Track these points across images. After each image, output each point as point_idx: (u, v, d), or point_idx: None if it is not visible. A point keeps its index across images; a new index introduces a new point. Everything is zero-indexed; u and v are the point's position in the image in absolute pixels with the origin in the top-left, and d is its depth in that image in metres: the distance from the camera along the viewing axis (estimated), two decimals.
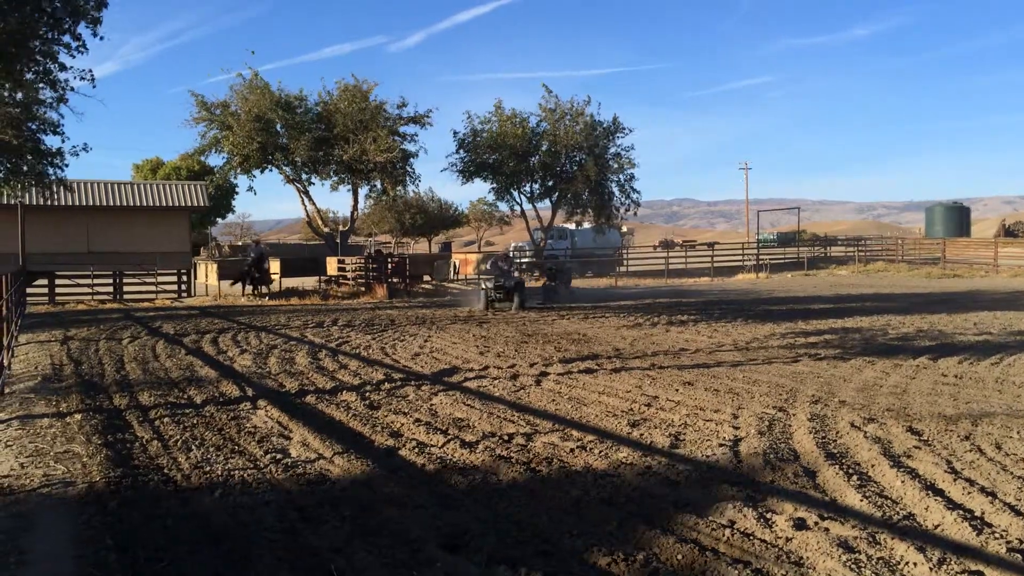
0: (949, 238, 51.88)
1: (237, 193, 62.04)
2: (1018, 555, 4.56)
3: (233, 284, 29.45)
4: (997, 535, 4.84)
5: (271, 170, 34.24)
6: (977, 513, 5.22)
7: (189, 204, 30.50)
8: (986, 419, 7.84)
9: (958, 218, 63.85)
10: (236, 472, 6.37)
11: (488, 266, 23.03)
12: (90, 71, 15.26)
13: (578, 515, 5.31)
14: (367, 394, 9.62)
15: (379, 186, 35.47)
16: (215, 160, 34.92)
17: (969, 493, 5.58)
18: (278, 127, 32.74)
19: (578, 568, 4.46)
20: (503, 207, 45.38)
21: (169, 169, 57.34)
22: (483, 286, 21.99)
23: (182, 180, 43.05)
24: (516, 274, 23.31)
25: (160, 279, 28.12)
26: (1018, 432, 7.28)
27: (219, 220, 73.03)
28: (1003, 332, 15.02)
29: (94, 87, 15.89)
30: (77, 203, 27.71)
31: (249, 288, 29.16)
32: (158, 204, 29.66)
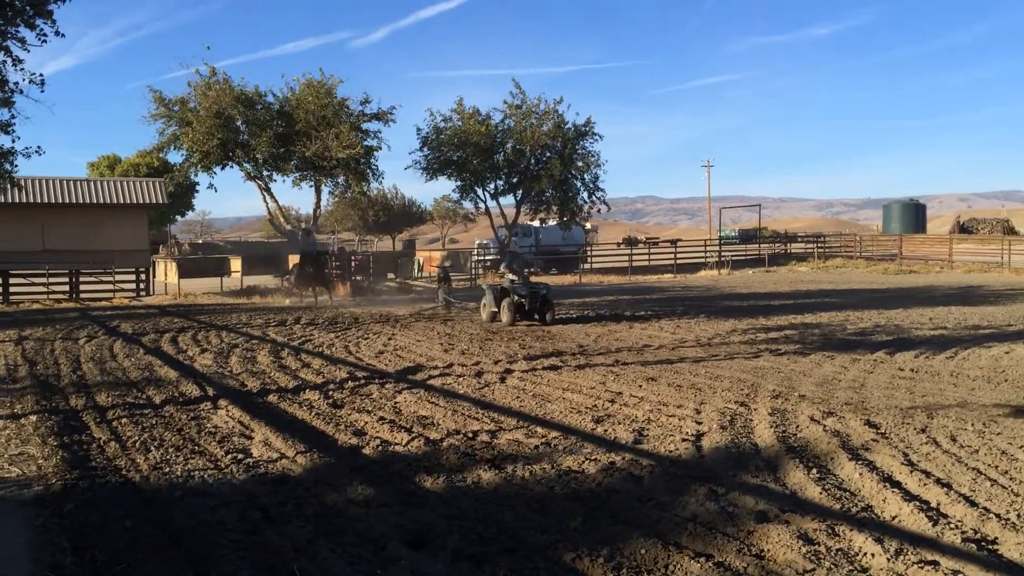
0: (906, 235, 52.88)
1: (197, 191, 61.16)
2: (972, 545, 4.66)
3: (290, 289, 24.20)
4: (952, 526, 4.95)
5: (232, 167, 33.80)
6: (933, 504, 5.33)
7: (148, 201, 30.01)
8: (941, 412, 8.00)
9: (914, 215, 65.12)
10: (197, 473, 6.30)
11: (506, 267, 18.12)
12: (40, 75, 14.79)
13: (543, 511, 5.32)
14: (330, 393, 9.56)
15: (342, 183, 35.21)
16: (174, 157, 34.38)
17: (925, 485, 5.69)
18: (239, 123, 32.34)
19: (543, 564, 4.48)
20: (467, 204, 45.31)
21: (127, 166, 56.42)
22: (514, 295, 16.82)
23: (140, 177, 42.36)
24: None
25: (118, 278, 27.65)
26: (972, 424, 7.44)
27: (178, 218, 72.03)
28: (958, 327, 15.33)
29: (42, 91, 15.34)
30: (31, 200, 27.11)
31: (298, 294, 23.68)
32: (116, 201, 29.12)
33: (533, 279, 18.61)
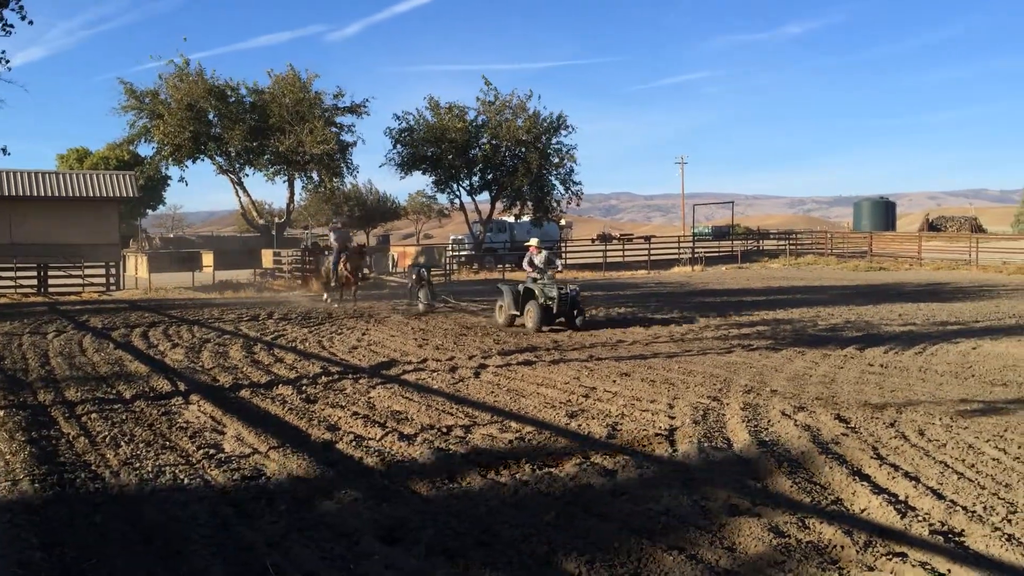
0: (876, 232, 53.54)
1: (169, 184, 60.57)
2: (940, 537, 4.73)
3: (330, 288, 21.29)
4: (920, 518, 5.02)
5: (204, 160, 33.52)
6: (901, 497, 5.40)
7: (118, 195, 29.65)
8: (910, 407, 8.11)
9: (884, 213, 65.97)
10: (168, 468, 6.24)
11: (542, 260, 15.92)
12: (2, 51, 14.52)
13: (517, 506, 5.33)
14: (304, 388, 9.50)
15: (316, 178, 35.02)
16: (145, 150, 34.01)
17: (894, 478, 5.77)
18: (211, 116, 32.06)
19: (517, 558, 4.49)
20: (442, 200, 45.27)
21: (96, 159, 55.69)
22: (541, 297, 14.79)
23: (110, 170, 41.80)
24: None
25: (87, 272, 27.28)
26: (940, 419, 7.55)
27: (149, 211, 71.28)
28: (926, 323, 15.55)
29: (9, 70, 15.10)
30: None
31: (336, 294, 21.07)
32: (85, 195, 28.76)
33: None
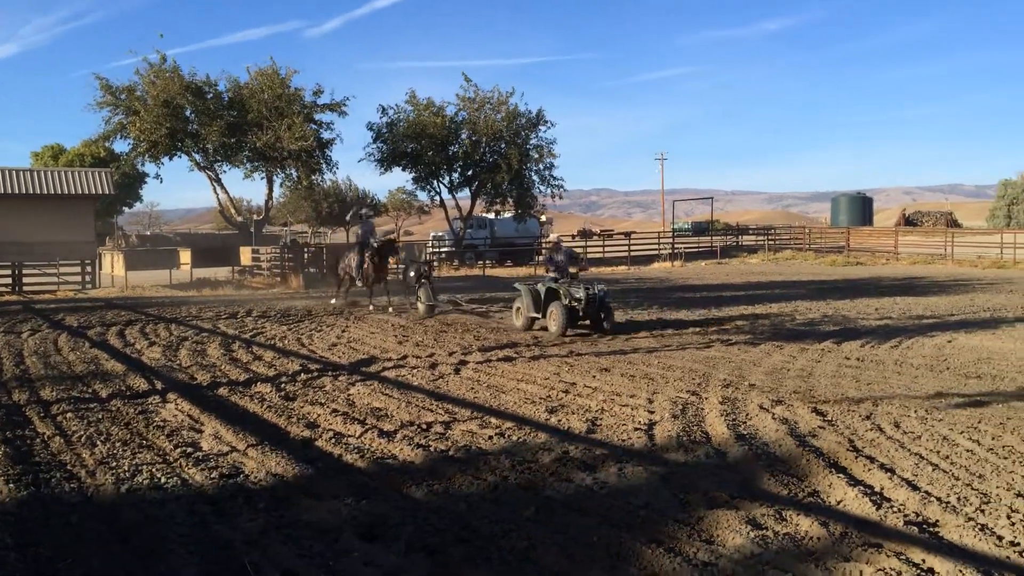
0: (853, 227, 53.99)
1: (145, 181, 59.98)
2: (914, 528, 4.79)
3: (344, 286, 19.28)
4: (895, 509, 5.08)
5: (180, 157, 33.23)
6: (877, 489, 5.46)
7: (93, 192, 29.26)
8: (886, 400, 8.19)
9: (861, 208, 66.59)
10: (144, 467, 6.19)
11: (545, 261, 15.04)
12: None
13: (496, 501, 5.34)
14: (283, 385, 9.45)
15: (294, 174, 34.84)
16: (121, 146, 33.68)
17: (869, 470, 5.83)
18: (188, 113, 31.78)
19: (496, 553, 4.49)
20: (423, 196, 45.17)
21: (72, 156, 55.05)
22: (565, 297, 13.43)
23: (86, 167, 41.35)
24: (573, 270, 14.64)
25: (63, 270, 26.97)
26: (915, 411, 7.63)
27: (126, 209, 70.56)
28: (902, 316, 15.71)
29: None
30: None
31: (346, 293, 19.28)
32: (60, 192, 28.37)
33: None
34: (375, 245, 18.20)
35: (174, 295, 24.52)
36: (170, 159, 32.89)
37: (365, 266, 18.04)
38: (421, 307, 16.91)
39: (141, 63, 31.35)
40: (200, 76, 31.95)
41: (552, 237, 16.10)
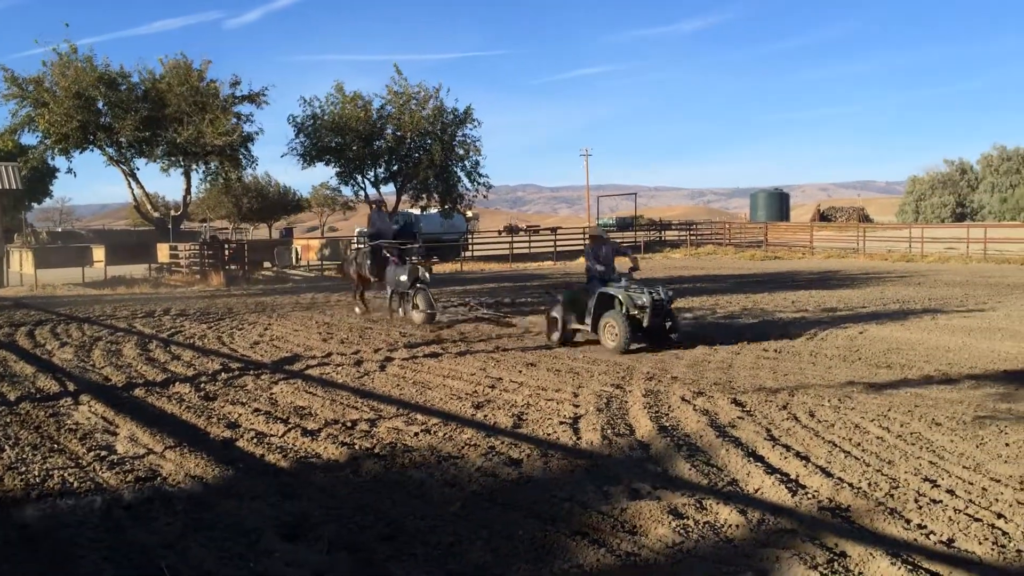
0: (771, 223, 55.52)
1: (56, 176, 57.68)
2: (828, 513, 4.95)
3: (361, 290, 16.89)
4: (810, 495, 5.24)
5: (93, 151, 32.06)
6: (792, 476, 5.63)
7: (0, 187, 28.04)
8: (801, 390, 8.45)
9: (779, 204, 68.51)
10: (56, 472, 5.96)
11: (607, 249, 12.21)
12: None
13: (422, 498, 5.32)
14: (202, 385, 9.23)
15: (215, 169, 34.00)
16: (29, 139, 32.27)
17: (786, 458, 6.01)
18: (100, 105, 30.67)
19: (422, 550, 4.48)
20: (347, 192, 44.63)
21: None
22: (623, 305, 11.08)
23: None
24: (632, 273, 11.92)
25: None
26: (829, 401, 7.89)
27: (35, 205, 67.77)
28: (817, 309, 16.21)
29: None
30: None
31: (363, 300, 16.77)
32: None
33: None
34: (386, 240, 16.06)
35: (87, 293, 23.69)
36: (81, 153, 31.68)
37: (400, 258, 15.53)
38: (417, 316, 14.04)
39: (49, 53, 30.12)
40: (114, 67, 30.88)
41: (597, 230, 13.36)
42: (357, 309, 16.60)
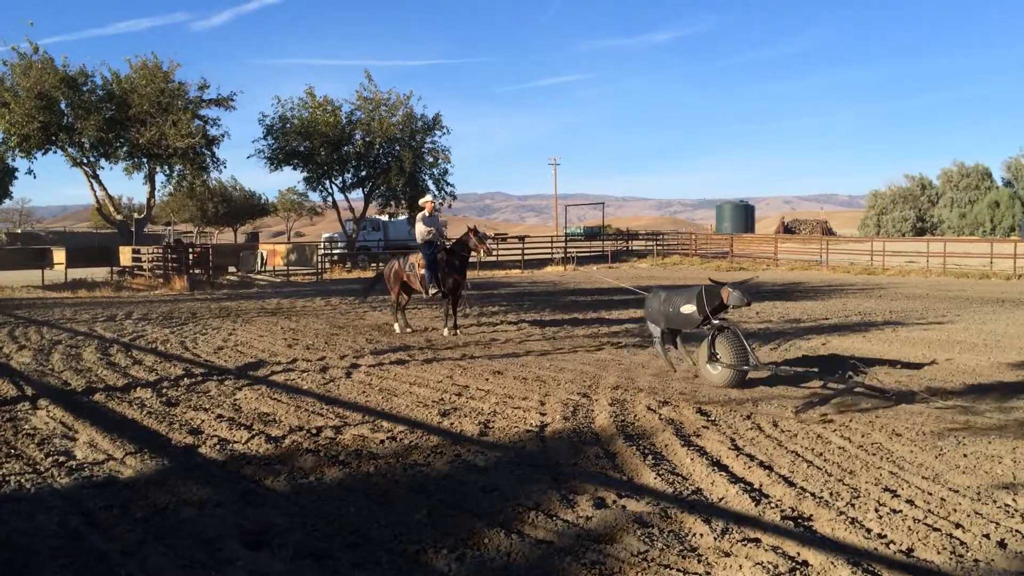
0: (736, 234, 56.09)
1: (16, 176, 56.67)
2: (790, 522, 5.01)
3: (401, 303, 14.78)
4: (773, 504, 5.30)
5: (55, 152, 31.56)
6: (756, 486, 5.68)
7: None
8: (765, 400, 8.54)
9: (744, 216, 69.26)
10: (12, 478, 5.84)
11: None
12: None
13: (388, 505, 5.29)
14: (164, 390, 9.10)
15: (179, 172, 33.63)
16: None
17: (749, 467, 6.06)
18: (63, 106, 30.22)
19: (386, 557, 4.45)
20: (314, 197, 44.35)
21: None
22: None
23: None
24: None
25: None
26: (792, 410, 7.98)
27: None
28: (780, 320, 16.39)
29: None
30: None
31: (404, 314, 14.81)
32: None
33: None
34: (445, 244, 14.05)
35: (47, 296, 23.25)
36: (43, 154, 31.18)
37: (445, 262, 13.77)
38: (718, 375, 9.36)
39: (10, 52, 29.65)
40: (75, 67, 30.45)
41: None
42: (396, 327, 14.48)
